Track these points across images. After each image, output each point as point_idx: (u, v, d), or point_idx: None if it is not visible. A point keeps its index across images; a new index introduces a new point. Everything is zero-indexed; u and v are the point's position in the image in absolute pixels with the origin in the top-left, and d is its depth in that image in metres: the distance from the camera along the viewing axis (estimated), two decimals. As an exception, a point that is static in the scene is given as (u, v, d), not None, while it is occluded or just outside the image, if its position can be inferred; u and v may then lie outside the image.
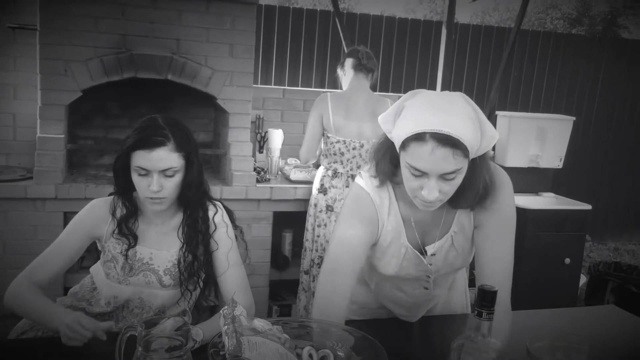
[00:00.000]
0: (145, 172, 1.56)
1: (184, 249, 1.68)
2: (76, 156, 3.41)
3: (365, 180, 1.51)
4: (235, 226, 1.79)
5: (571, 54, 6.07)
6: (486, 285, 1.13)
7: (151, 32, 3.05)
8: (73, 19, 2.92)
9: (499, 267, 1.52)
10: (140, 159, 1.55)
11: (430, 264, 1.57)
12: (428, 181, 1.31)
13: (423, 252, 1.55)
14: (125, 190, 1.67)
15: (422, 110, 1.29)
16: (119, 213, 1.67)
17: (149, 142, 1.54)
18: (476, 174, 1.37)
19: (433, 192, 1.32)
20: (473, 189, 1.38)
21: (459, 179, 1.33)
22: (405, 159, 1.33)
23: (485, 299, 1.12)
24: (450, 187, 1.34)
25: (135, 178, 1.59)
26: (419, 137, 1.27)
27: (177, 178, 1.60)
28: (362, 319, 1.82)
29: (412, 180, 1.34)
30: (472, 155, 1.33)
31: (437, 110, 1.28)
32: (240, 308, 1.23)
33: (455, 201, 1.40)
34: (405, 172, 1.36)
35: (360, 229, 1.48)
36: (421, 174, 1.31)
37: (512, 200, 1.53)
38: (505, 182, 1.51)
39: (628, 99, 6.27)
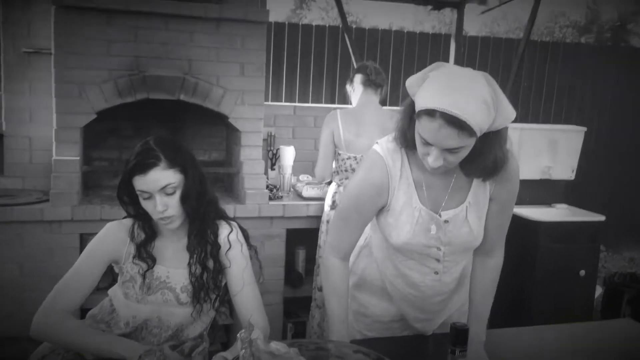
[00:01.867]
0: (148, 195, 1.62)
1: (192, 259, 1.70)
2: (91, 177, 3.45)
3: (380, 146, 1.61)
4: (250, 245, 1.81)
5: (581, 63, 6.06)
6: (458, 324, 1.16)
7: (164, 54, 3.09)
8: (87, 43, 2.97)
9: (502, 229, 1.72)
10: (139, 183, 1.61)
11: (443, 234, 1.63)
12: (433, 151, 1.43)
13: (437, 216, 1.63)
14: (140, 215, 1.70)
15: (440, 86, 1.38)
16: (138, 237, 1.71)
17: (142, 166, 1.60)
18: (487, 147, 1.46)
19: (437, 161, 1.44)
20: (482, 160, 1.48)
21: (464, 152, 1.44)
22: (417, 127, 1.45)
23: (458, 337, 1.15)
24: (455, 158, 1.45)
25: (142, 202, 1.65)
26: (430, 113, 1.38)
27: (179, 193, 1.64)
28: (375, 334, 1.83)
29: (420, 146, 1.47)
30: (482, 132, 1.41)
31: (452, 90, 1.36)
32: (257, 331, 1.25)
33: (465, 169, 1.53)
34: (416, 137, 1.47)
35: (370, 190, 1.61)
36: (428, 145, 1.43)
37: (518, 177, 1.66)
38: (514, 165, 1.62)
39: (639, 108, 6.24)
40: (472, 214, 1.62)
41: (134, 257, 1.70)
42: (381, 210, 1.65)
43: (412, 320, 1.82)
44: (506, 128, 1.50)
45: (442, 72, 1.42)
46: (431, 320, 1.82)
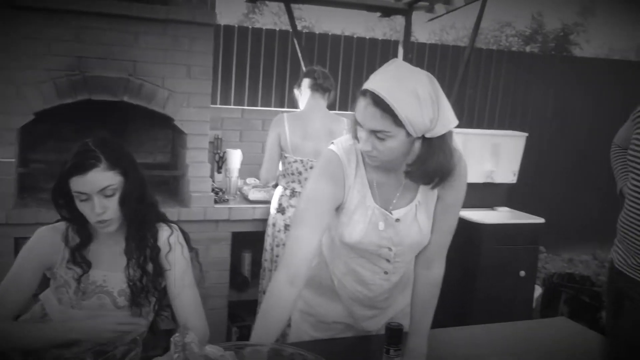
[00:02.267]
0: (86, 197, 1.58)
1: (131, 263, 1.68)
2: (28, 180, 3.34)
3: (336, 145, 1.64)
4: (190, 248, 1.80)
5: (524, 71, 6.25)
6: (393, 324, 1.18)
7: (107, 54, 3.03)
8: (26, 42, 2.88)
9: (445, 235, 1.70)
10: (77, 184, 1.57)
11: (395, 234, 1.64)
12: (363, 133, 1.49)
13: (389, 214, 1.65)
14: (75, 218, 1.66)
15: (381, 74, 1.47)
16: (72, 241, 1.67)
17: (82, 166, 1.56)
18: (430, 153, 1.48)
19: (365, 144, 1.49)
20: (426, 166, 1.50)
21: (392, 143, 1.46)
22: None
23: (392, 337, 1.16)
24: (384, 148, 1.47)
25: (78, 205, 1.60)
26: (363, 93, 1.46)
27: (118, 196, 1.61)
28: (319, 334, 1.85)
29: (358, 130, 1.52)
30: (416, 130, 1.44)
31: (389, 78, 1.44)
32: (192, 335, 1.23)
33: (409, 174, 1.55)
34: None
35: (327, 187, 1.60)
36: (360, 126, 1.49)
37: (466, 180, 1.67)
38: (463, 167, 1.64)
39: (579, 115, 6.48)
40: (422, 214, 1.65)
41: (67, 262, 1.65)
42: (335, 210, 1.66)
43: (359, 318, 1.84)
44: (451, 135, 1.52)
45: (391, 66, 1.49)
46: (377, 317, 1.84)
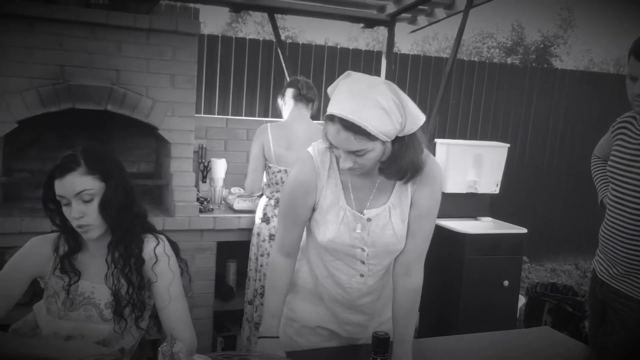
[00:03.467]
0: (67, 201, 1.59)
1: (113, 272, 1.66)
2: (11, 189, 3.30)
3: (313, 147, 1.69)
4: (180, 259, 1.78)
5: (506, 82, 6.34)
6: (380, 332, 1.19)
7: (90, 63, 3.01)
8: (8, 50, 2.86)
9: (422, 241, 1.72)
10: (57, 188, 1.59)
11: (367, 234, 1.67)
12: (341, 153, 1.52)
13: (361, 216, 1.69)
14: (64, 225, 1.66)
15: (341, 93, 1.48)
16: (61, 249, 1.67)
17: (60, 170, 1.58)
18: (403, 150, 1.53)
19: (345, 163, 1.53)
20: (399, 162, 1.54)
21: (372, 155, 1.51)
22: (326, 132, 1.54)
23: (379, 345, 1.17)
24: (364, 161, 1.52)
25: (63, 210, 1.61)
26: (331, 118, 1.48)
27: (97, 202, 1.61)
28: (303, 341, 1.85)
29: (335, 149, 1.56)
30: (389, 136, 1.49)
31: (351, 96, 1.45)
32: (180, 344, 1.23)
33: (383, 171, 1.58)
34: None
35: (298, 187, 1.68)
36: (335, 147, 1.52)
37: (440, 186, 1.71)
38: (436, 170, 1.68)
39: (559, 126, 6.57)
40: (396, 217, 1.67)
41: (55, 270, 1.65)
42: (312, 208, 1.71)
43: (343, 322, 1.84)
44: (421, 132, 1.57)
45: (347, 80, 1.51)
46: (362, 325, 1.85)
